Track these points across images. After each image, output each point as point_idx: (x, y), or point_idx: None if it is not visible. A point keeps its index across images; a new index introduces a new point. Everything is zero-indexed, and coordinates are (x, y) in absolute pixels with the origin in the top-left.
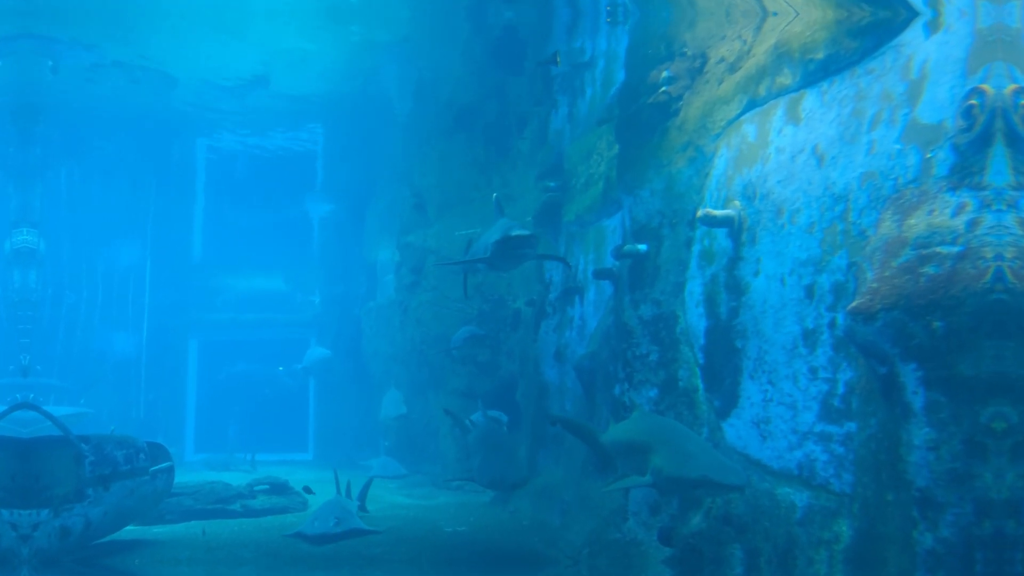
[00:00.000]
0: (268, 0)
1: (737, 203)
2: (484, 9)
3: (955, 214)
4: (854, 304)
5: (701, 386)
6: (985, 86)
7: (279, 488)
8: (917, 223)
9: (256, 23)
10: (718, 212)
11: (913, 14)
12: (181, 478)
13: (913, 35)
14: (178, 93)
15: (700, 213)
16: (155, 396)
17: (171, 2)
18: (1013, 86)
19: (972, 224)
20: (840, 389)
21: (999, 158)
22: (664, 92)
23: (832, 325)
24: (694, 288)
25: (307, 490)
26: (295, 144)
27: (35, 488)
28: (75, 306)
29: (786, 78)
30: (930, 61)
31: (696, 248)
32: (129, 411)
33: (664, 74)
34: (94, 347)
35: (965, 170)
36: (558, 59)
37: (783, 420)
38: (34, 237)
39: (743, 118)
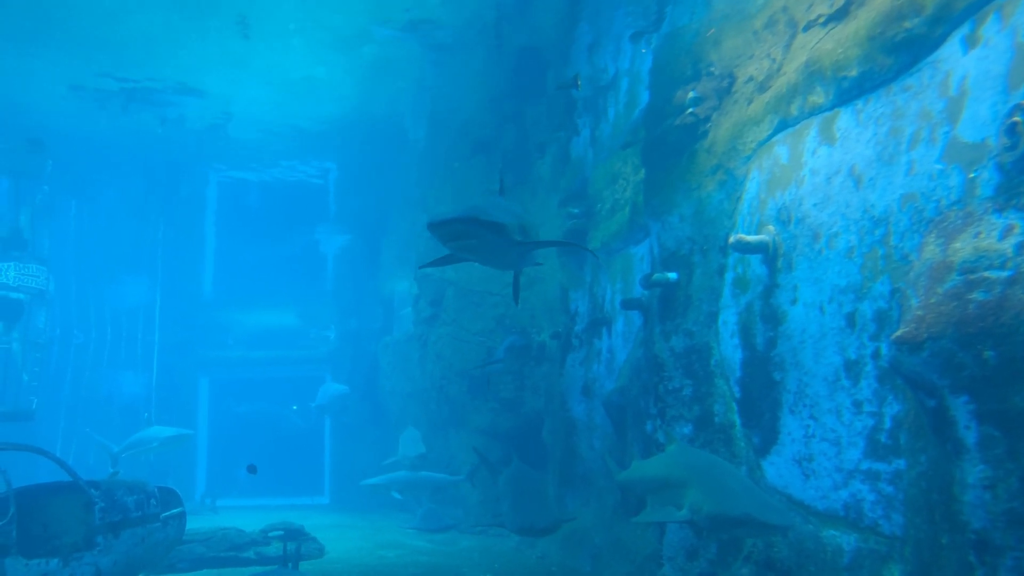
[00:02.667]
0: (277, 29)
1: (771, 228)
2: (501, 31)
3: (1003, 236)
4: (899, 333)
5: (738, 421)
6: None
7: (294, 534)
8: (963, 247)
9: (264, 52)
10: (751, 238)
11: (950, 29)
12: (193, 524)
13: (950, 51)
14: (188, 124)
15: (732, 239)
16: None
17: (181, 34)
18: None
19: (1021, 247)
20: (887, 424)
21: None
22: (691, 113)
23: (876, 355)
24: (728, 318)
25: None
26: (307, 175)
27: (44, 536)
28: (83, 346)
29: (819, 97)
30: (969, 77)
31: (729, 276)
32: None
33: (691, 94)
34: (102, 388)
35: (1011, 190)
36: (579, 82)
37: (827, 457)
38: (43, 277)
39: (775, 139)
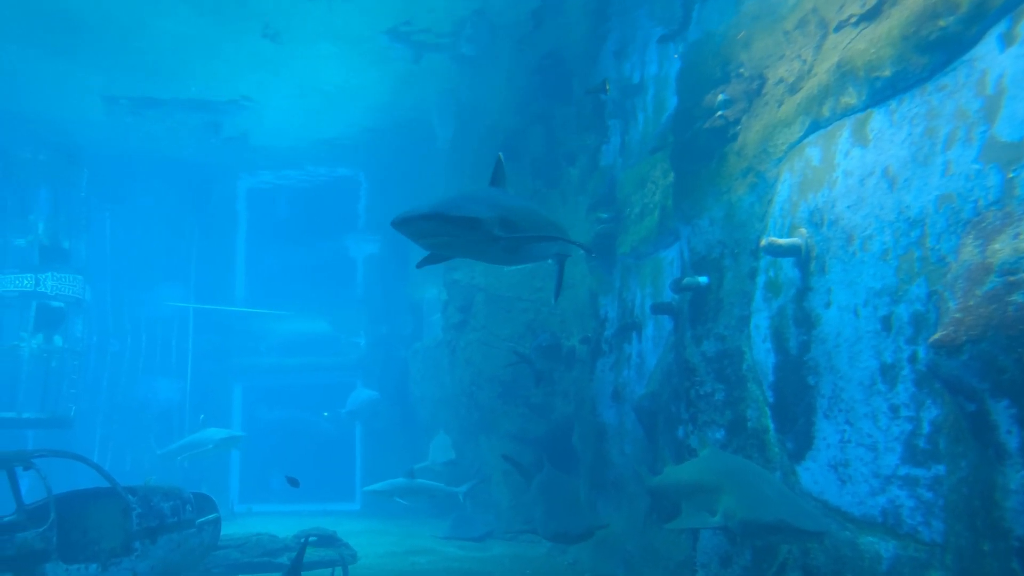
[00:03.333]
0: (308, 40)
1: (803, 231)
2: (528, 36)
3: None
4: (937, 336)
5: (772, 426)
6: None
7: (327, 540)
8: (1002, 248)
9: (295, 62)
10: (783, 241)
11: (986, 27)
12: (227, 530)
13: (986, 49)
14: (221, 133)
15: (764, 242)
16: None
17: (216, 45)
18: None
19: None
20: (925, 428)
21: None
22: (721, 116)
23: (913, 359)
24: (760, 322)
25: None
26: (337, 182)
27: (83, 542)
28: (119, 354)
29: (851, 98)
30: (1007, 75)
31: (761, 279)
32: (172, 460)
33: (720, 97)
34: (138, 395)
35: None
36: (607, 87)
37: (863, 463)
38: (80, 285)
39: (806, 141)
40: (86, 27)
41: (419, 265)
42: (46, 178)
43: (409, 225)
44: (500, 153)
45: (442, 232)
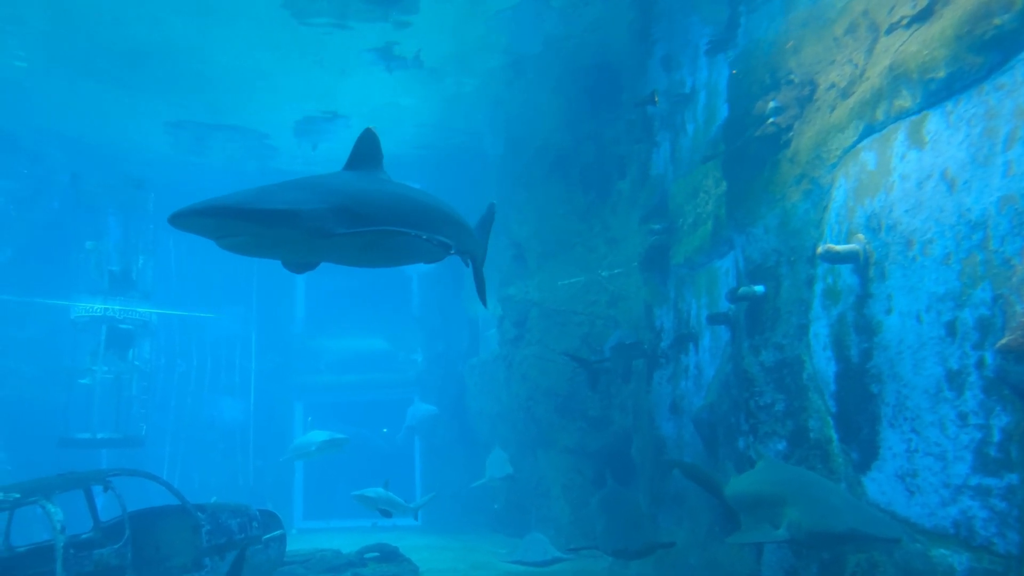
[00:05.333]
0: (362, 60)
1: (861, 236)
2: (576, 49)
3: None
4: (1004, 341)
5: (835, 436)
6: None
7: (389, 555)
8: None
9: (349, 81)
10: (841, 247)
11: None
12: (291, 546)
13: None
14: (280, 157)
15: (821, 249)
16: (263, 462)
17: (272, 75)
18: None
19: None
20: (996, 436)
21: None
22: (772, 123)
23: (980, 365)
24: (819, 330)
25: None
26: None
27: (156, 558)
28: (186, 374)
29: (905, 100)
30: None
31: (819, 287)
32: (237, 478)
33: (771, 104)
34: (204, 414)
35: None
36: (656, 98)
37: (932, 473)
38: (148, 308)
39: (861, 145)
40: (152, 60)
41: (295, 271)
42: (114, 204)
43: (183, 221)
44: (370, 127)
45: (241, 231)
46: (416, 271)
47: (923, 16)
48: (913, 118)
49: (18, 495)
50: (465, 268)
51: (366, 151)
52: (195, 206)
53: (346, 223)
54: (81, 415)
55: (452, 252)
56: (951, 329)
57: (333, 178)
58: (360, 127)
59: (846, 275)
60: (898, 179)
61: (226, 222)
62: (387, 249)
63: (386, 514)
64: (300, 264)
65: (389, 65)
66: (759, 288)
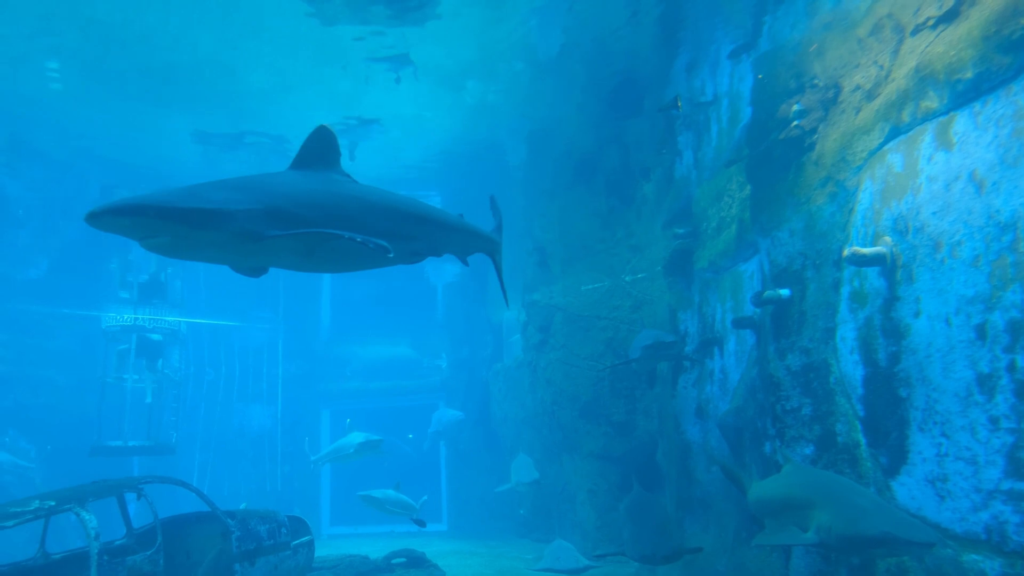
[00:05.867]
0: (384, 70)
1: (888, 239)
2: (599, 55)
3: None
4: None
5: (863, 441)
6: None
7: (416, 561)
8: None
9: (373, 91)
10: (867, 250)
11: None
12: (319, 552)
13: None
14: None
15: (847, 252)
16: (291, 468)
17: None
18: None
19: None
20: None
21: None
22: (796, 126)
23: (1011, 368)
24: (846, 333)
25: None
26: None
27: (187, 564)
28: (215, 383)
29: (932, 101)
30: None
31: (845, 290)
32: (265, 484)
33: (795, 107)
34: (233, 422)
35: None
36: (679, 103)
37: (963, 477)
38: (176, 318)
39: (887, 147)
40: (180, 74)
41: (246, 274)
42: None
43: (100, 221)
44: (325, 124)
45: (163, 231)
46: (440, 278)
47: (949, 16)
48: (940, 119)
49: (53, 503)
50: (492, 273)
51: (316, 150)
52: (113, 204)
53: (280, 225)
54: (113, 424)
55: (392, 256)
56: (981, 332)
57: (271, 178)
58: (386, 134)
59: (873, 278)
60: (925, 181)
61: (146, 222)
62: (332, 252)
63: (420, 523)
64: (249, 268)
65: (411, 72)
66: (784, 292)
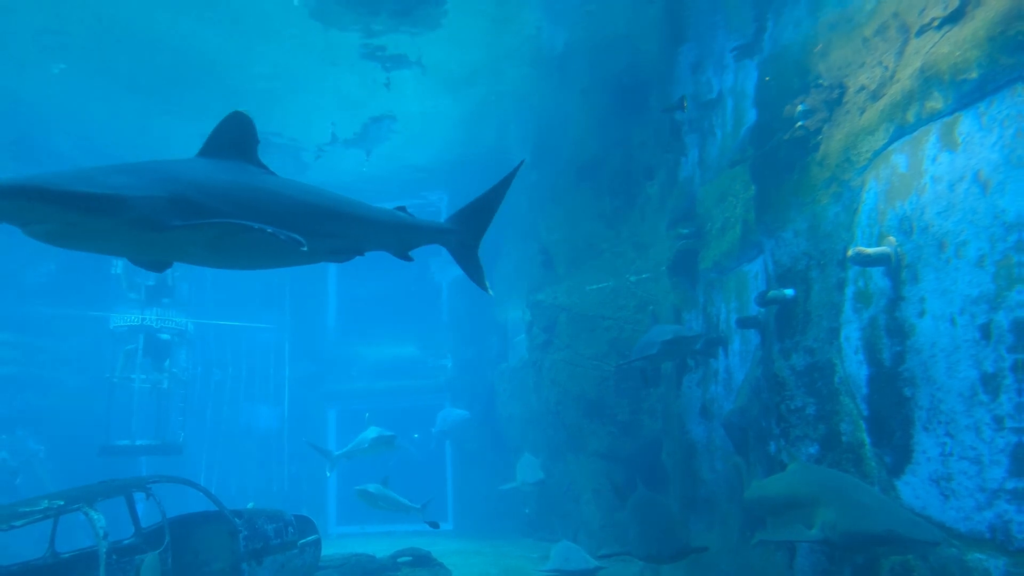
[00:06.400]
0: (390, 72)
1: (892, 239)
2: (604, 56)
3: None
4: None
5: (868, 440)
6: None
7: (422, 560)
8: None
9: (379, 93)
10: (872, 250)
11: None
12: (326, 551)
13: None
14: (308, 166)
15: (851, 252)
16: (297, 468)
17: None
18: None
19: None
20: None
21: None
22: (801, 127)
23: (1016, 368)
24: (851, 333)
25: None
26: (420, 210)
27: (195, 563)
28: (221, 383)
29: (937, 102)
30: None
31: (850, 290)
32: (272, 484)
33: (799, 108)
34: (240, 422)
35: None
36: (684, 104)
37: (967, 476)
38: (184, 318)
39: (891, 148)
40: (189, 75)
41: (148, 269)
42: None
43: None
44: (242, 110)
45: (48, 217)
46: (445, 278)
47: (954, 17)
48: (945, 120)
49: (62, 502)
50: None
51: (230, 137)
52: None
53: (184, 215)
54: (121, 423)
55: (307, 251)
56: (985, 332)
57: (177, 164)
58: (393, 136)
59: (877, 278)
60: (930, 181)
61: (27, 205)
62: (240, 247)
63: (434, 525)
64: (150, 262)
65: (418, 74)
66: (789, 292)
